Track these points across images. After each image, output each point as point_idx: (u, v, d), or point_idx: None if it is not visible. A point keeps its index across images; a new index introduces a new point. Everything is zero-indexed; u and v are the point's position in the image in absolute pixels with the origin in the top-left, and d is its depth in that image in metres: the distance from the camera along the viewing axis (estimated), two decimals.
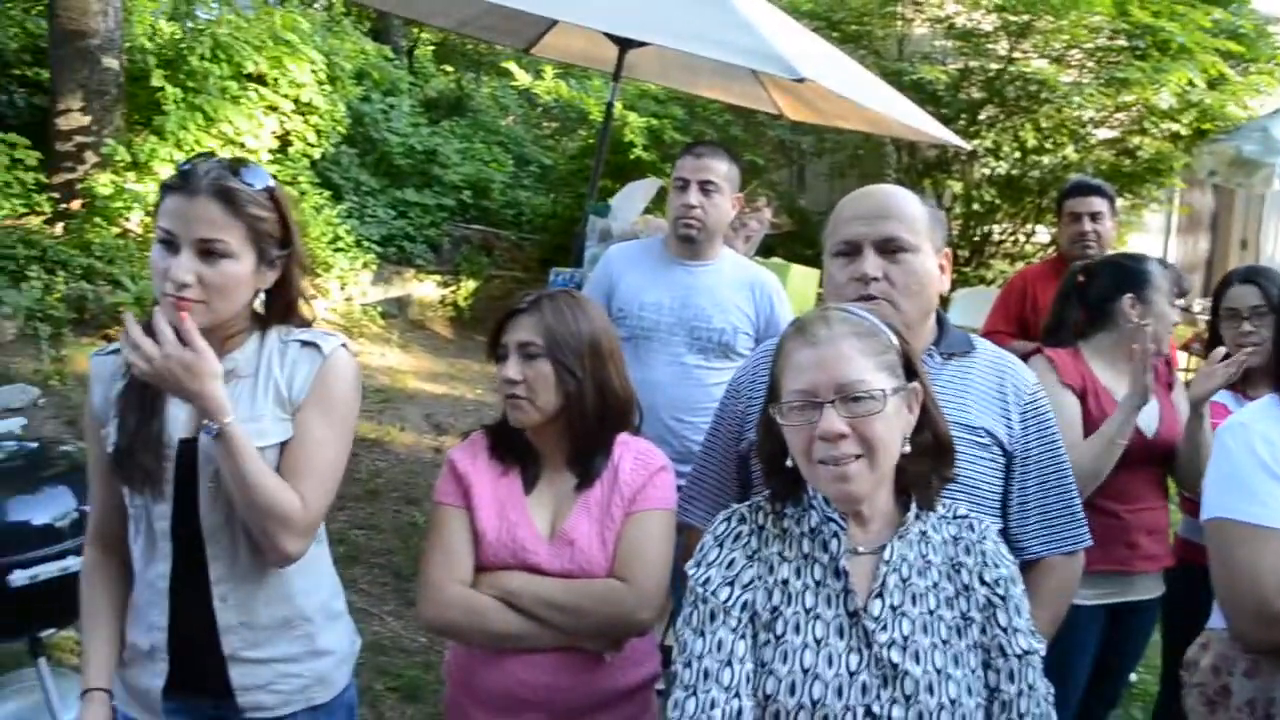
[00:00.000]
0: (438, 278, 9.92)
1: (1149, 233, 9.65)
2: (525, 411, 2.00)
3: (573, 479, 2.05)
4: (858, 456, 1.50)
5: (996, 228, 8.81)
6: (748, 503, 1.70)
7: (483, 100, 13.55)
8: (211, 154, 1.86)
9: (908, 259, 1.87)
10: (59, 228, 7.59)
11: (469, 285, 9.92)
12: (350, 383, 1.88)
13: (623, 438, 2.08)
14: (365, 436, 6.47)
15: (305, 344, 1.86)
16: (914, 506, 1.61)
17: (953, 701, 1.50)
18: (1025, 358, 2.54)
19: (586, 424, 2.03)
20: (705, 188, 3.15)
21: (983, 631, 1.56)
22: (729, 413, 2.09)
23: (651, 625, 2.08)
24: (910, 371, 1.59)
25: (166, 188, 1.74)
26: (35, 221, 7.52)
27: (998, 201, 8.61)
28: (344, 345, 1.89)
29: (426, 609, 2.02)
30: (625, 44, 4.80)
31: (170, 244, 1.71)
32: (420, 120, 11.22)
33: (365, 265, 9.09)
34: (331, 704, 1.94)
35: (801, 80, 3.75)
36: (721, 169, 3.19)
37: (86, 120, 7.88)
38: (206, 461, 1.77)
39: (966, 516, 1.66)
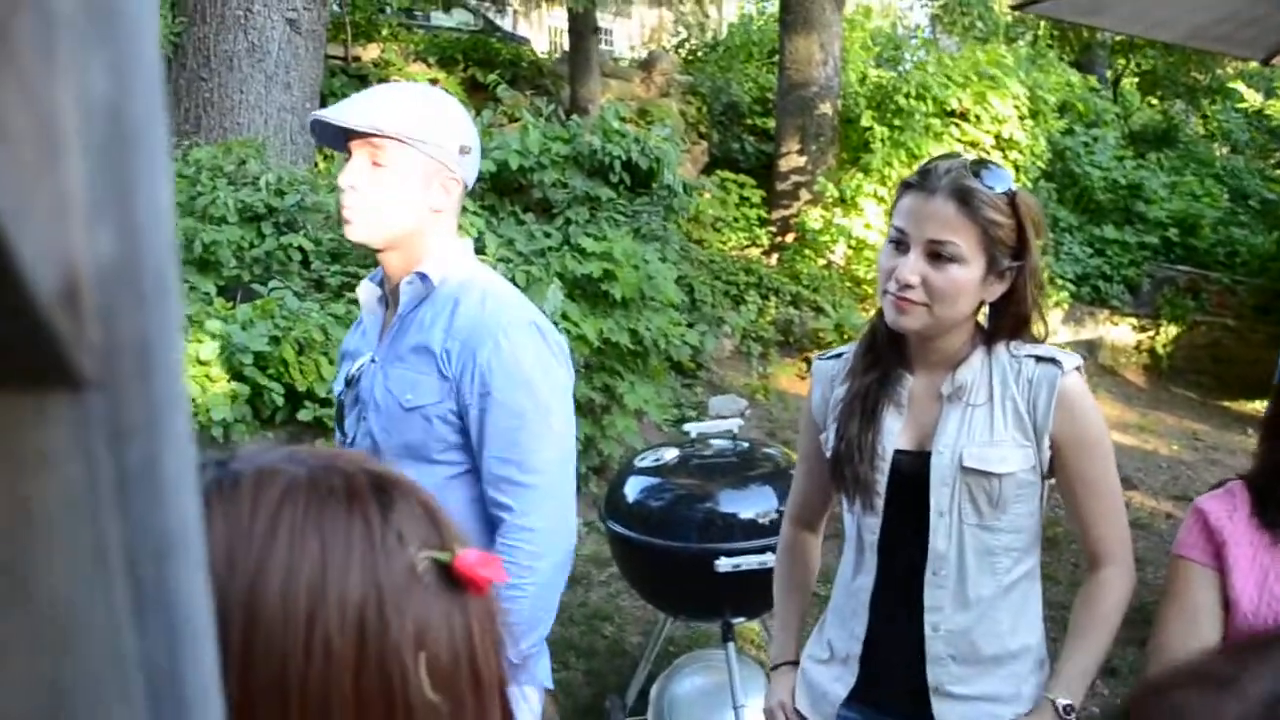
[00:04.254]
0: (1134, 321, 9.23)
1: None
2: None
3: None
4: None
5: None
6: None
7: (1194, 131, 12.42)
8: (955, 154, 1.80)
9: None
10: (774, 258, 8.38)
11: (1170, 331, 9.10)
12: (1096, 407, 1.71)
13: None
14: None
15: (1041, 359, 1.69)
16: None
17: None
18: None
19: None
20: None
21: None
22: None
23: None
24: None
25: (905, 185, 1.70)
26: (755, 253, 8.39)
27: None
28: (1079, 368, 1.72)
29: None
30: None
31: (900, 243, 1.66)
32: (1125, 153, 10.57)
33: (1057, 304, 8.75)
34: None
35: None
36: None
37: (803, 161, 8.62)
38: (941, 485, 1.71)
39: None
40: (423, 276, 1.84)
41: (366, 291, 1.97)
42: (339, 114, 1.78)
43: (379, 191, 1.79)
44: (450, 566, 0.68)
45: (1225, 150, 12.09)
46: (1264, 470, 1.66)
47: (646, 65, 11.35)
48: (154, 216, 0.24)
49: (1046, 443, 1.67)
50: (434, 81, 9.76)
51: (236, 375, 4.10)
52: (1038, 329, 1.76)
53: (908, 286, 1.63)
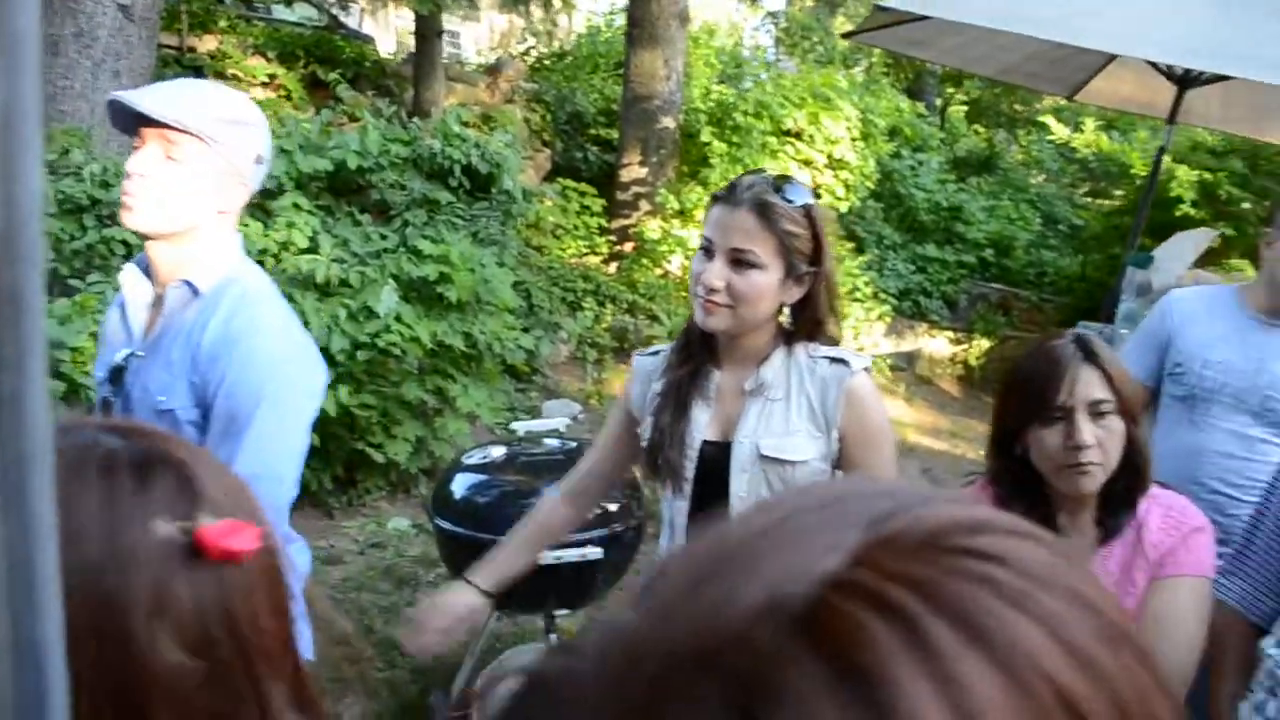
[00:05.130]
0: (950, 334, 9.76)
1: None
2: (1096, 479, 1.73)
3: (1092, 535, 1.87)
4: None
5: None
6: None
7: (1013, 159, 13.19)
8: (762, 170, 1.96)
9: None
10: (612, 267, 8.53)
11: (982, 344, 9.65)
12: (881, 404, 1.89)
13: (1152, 491, 1.82)
14: None
15: (833, 360, 1.86)
16: None
17: None
18: None
19: (1115, 477, 1.78)
20: None
21: None
22: None
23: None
24: None
25: (714, 198, 1.86)
26: (594, 260, 8.53)
27: None
28: (867, 369, 1.89)
29: None
30: (1184, 83, 4.43)
31: (708, 251, 1.81)
32: (948, 177, 11.16)
33: (880, 317, 9.18)
34: None
35: None
36: None
37: (644, 172, 8.80)
38: (740, 471, 1.84)
39: None
40: (190, 285, 1.85)
41: (133, 280, 1.93)
42: (141, 99, 1.77)
43: (169, 183, 1.79)
44: (198, 537, 0.72)
45: (1041, 178, 12.86)
46: (996, 476, 1.86)
47: (492, 71, 11.36)
48: (31, 193, 0.31)
49: (835, 435, 1.83)
50: (272, 77, 9.55)
51: (55, 373, 3.97)
52: (834, 331, 1.93)
53: (713, 290, 1.78)
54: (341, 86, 8.28)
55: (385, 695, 3.56)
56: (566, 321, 7.15)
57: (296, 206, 5.33)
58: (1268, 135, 5.66)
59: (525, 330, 6.04)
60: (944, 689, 0.32)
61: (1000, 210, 11.03)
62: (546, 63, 12.65)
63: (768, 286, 1.79)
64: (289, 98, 9.33)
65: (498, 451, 3.32)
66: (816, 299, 1.87)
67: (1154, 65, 4.46)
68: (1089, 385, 1.71)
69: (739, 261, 1.78)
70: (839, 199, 9.14)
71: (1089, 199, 11.95)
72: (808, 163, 8.95)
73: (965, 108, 15.43)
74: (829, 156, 9.12)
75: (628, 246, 8.63)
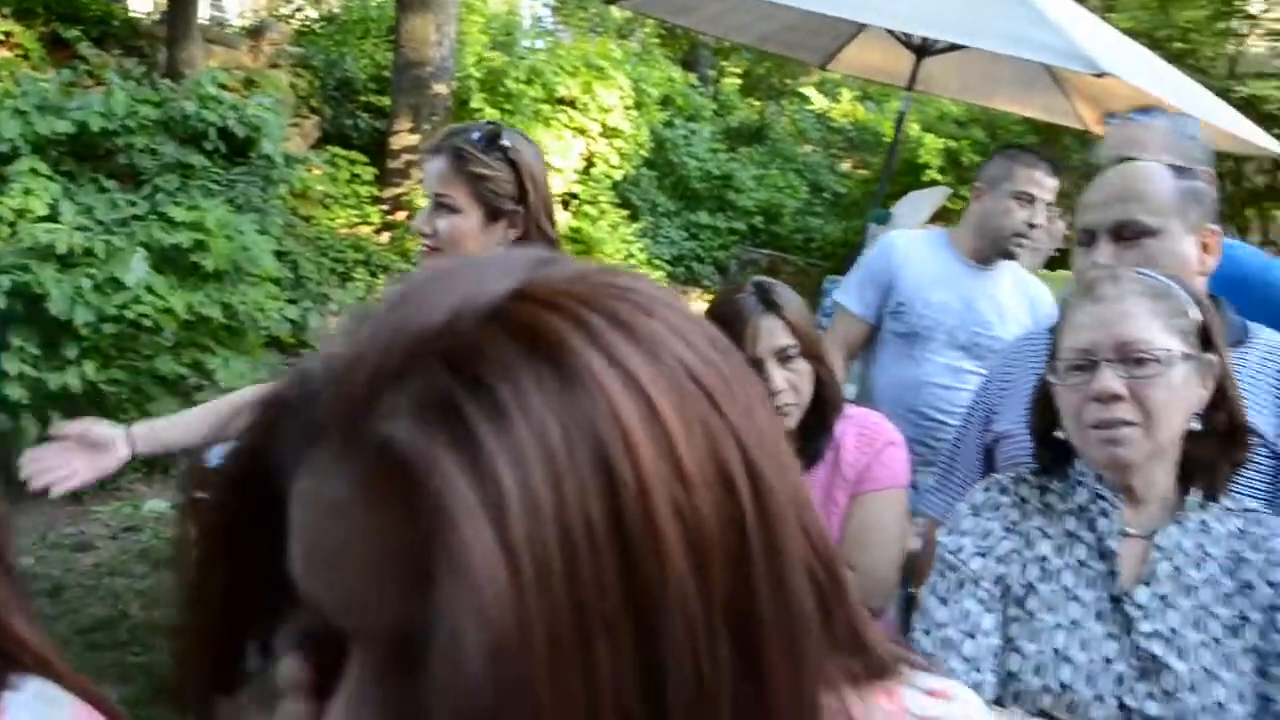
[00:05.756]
0: None
1: None
2: (792, 418, 1.83)
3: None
4: (1133, 423, 1.39)
5: None
6: (1011, 474, 1.60)
7: (782, 130, 13.69)
8: (493, 124, 2.00)
9: (1147, 244, 1.70)
10: (385, 236, 8.35)
11: None
12: None
13: (847, 411, 1.92)
14: None
15: None
16: (1197, 492, 1.48)
17: (1219, 705, 1.35)
18: None
19: (809, 411, 1.87)
20: (1047, 206, 2.99)
21: (1262, 635, 1.40)
22: (979, 404, 1.99)
23: (883, 610, 1.99)
24: (1209, 345, 1.45)
25: (425, 151, 1.95)
26: (366, 230, 8.31)
27: None
28: None
29: None
30: (921, 52, 4.71)
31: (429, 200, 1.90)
32: (720, 147, 11.47)
33: None
34: None
35: (1102, 75, 3.54)
36: (1054, 187, 3.03)
37: (416, 140, 8.63)
38: None
39: (1256, 511, 1.51)
40: None
41: None
42: None
43: None
44: None
45: (809, 149, 13.40)
46: None
47: (255, 34, 10.85)
48: None
49: None
50: (7, 35, 8.80)
51: None
52: None
53: (425, 235, 1.88)
54: (85, 45, 7.72)
55: (141, 680, 3.41)
56: (336, 292, 6.97)
57: (34, 172, 4.97)
58: (998, 103, 6.09)
59: (292, 301, 5.85)
60: (611, 358, 0.44)
61: (769, 179, 11.44)
62: (315, 27, 12.18)
63: (468, 229, 1.87)
64: (26, 57, 8.62)
65: None
66: (531, 239, 1.93)
67: (895, 35, 4.73)
68: (772, 334, 1.80)
69: (440, 206, 1.87)
70: (613, 167, 9.26)
71: (850, 167, 12.55)
72: (582, 131, 9.01)
73: (740, 81, 15.88)
74: (603, 125, 9.21)
75: (400, 215, 8.46)
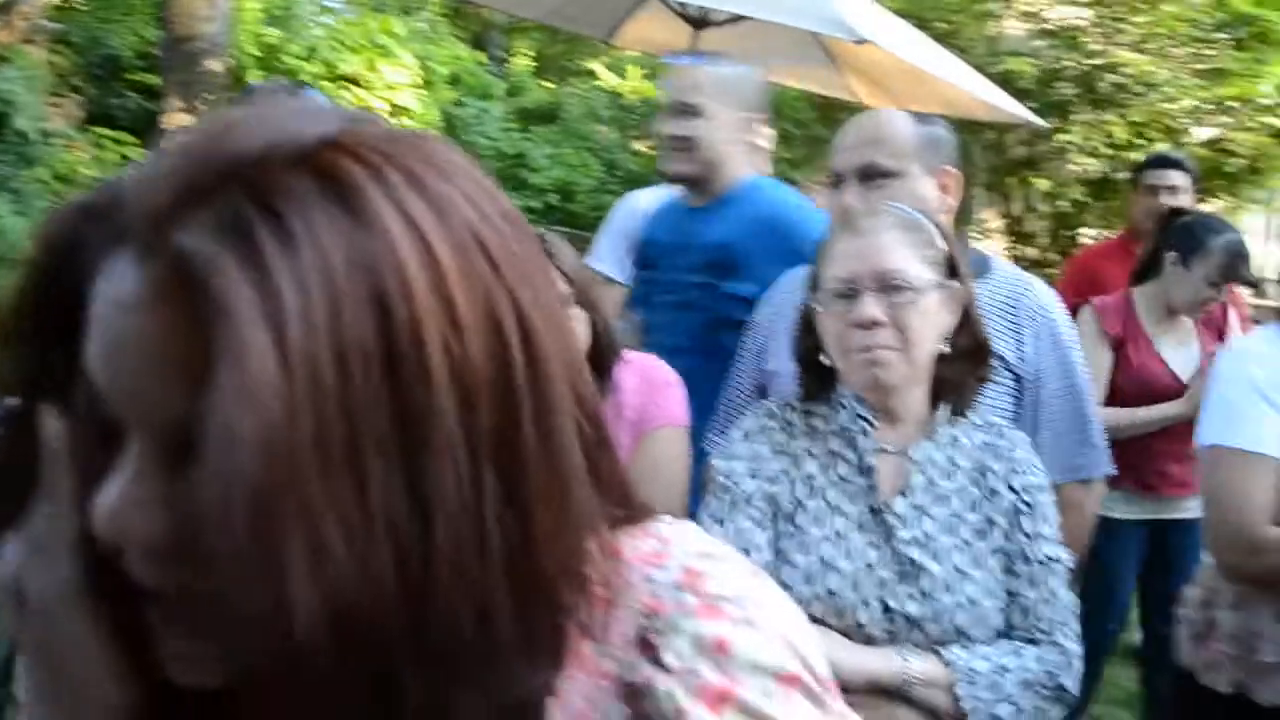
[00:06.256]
0: None
1: (1248, 236, 9.28)
2: None
3: None
4: (892, 347, 1.49)
5: (1086, 230, 8.59)
6: (779, 401, 1.69)
7: (575, 108, 13.73)
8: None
9: (890, 185, 1.83)
10: None
11: None
12: None
13: (625, 356, 1.98)
14: None
15: None
16: (946, 409, 1.59)
17: (971, 601, 1.47)
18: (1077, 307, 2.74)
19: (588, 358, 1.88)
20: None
21: (1007, 537, 1.53)
22: (750, 345, 2.08)
23: None
24: (955, 275, 1.58)
25: None
26: None
27: (1089, 201, 8.39)
28: None
29: None
30: (699, 24, 4.82)
31: None
32: (512, 126, 11.41)
33: None
34: None
35: (861, 41, 3.72)
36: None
37: (188, 119, 8.21)
38: None
39: (998, 425, 1.64)
40: None
41: None
42: None
43: None
44: None
45: (603, 128, 13.49)
46: None
47: (5, 8, 10.07)
48: None
49: None
50: None
51: None
52: None
53: None
54: None
55: None
56: None
57: None
58: (778, 76, 6.26)
59: None
60: (400, 209, 0.48)
61: (564, 158, 11.46)
62: (74, 2, 11.40)
63: None
64: None
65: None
66: None
67: (671, 6, 4.82)
68: None
69: None
70: None
71: (647, 148, 12.71)
72: (368, 110, 8.79)
73: (534, 62, 15.82)
74: (391, 104, 9.01)
75: None
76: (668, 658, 0.58)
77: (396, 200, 0.48)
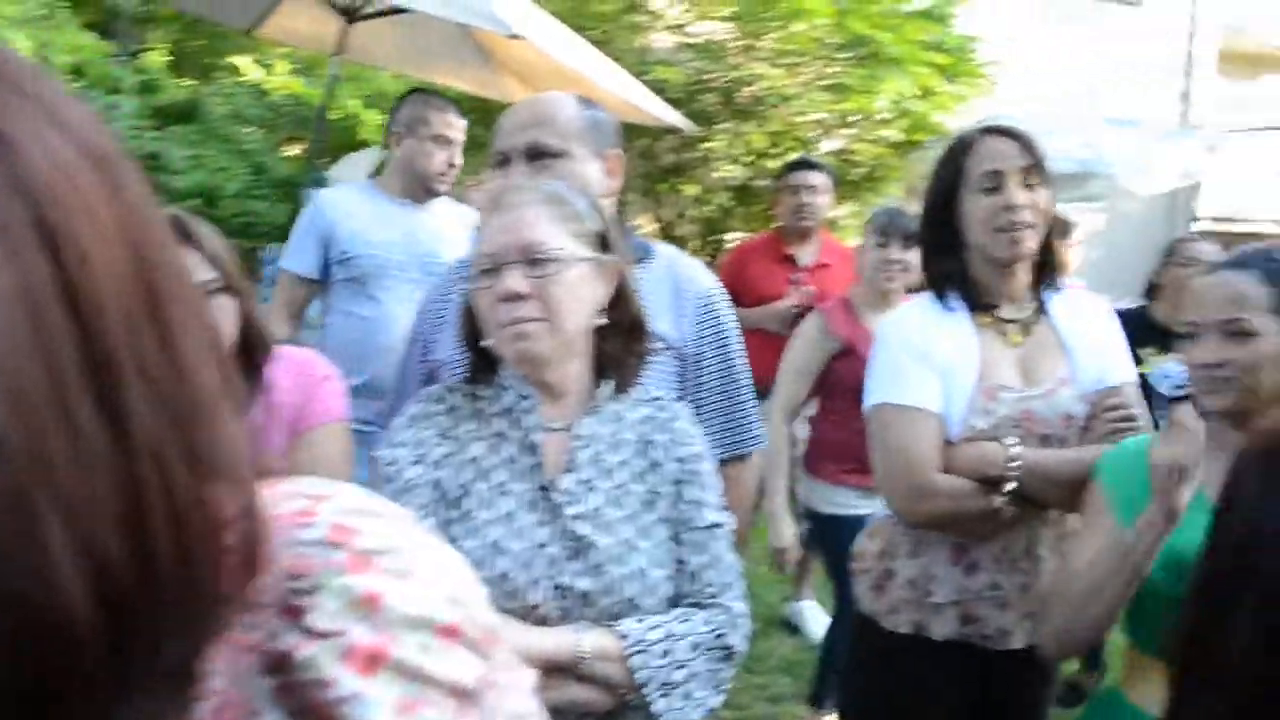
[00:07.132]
0: None
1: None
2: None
3: None
4: (538, 319, 1.47)
5: (733, 234, 9.11)
6: (444, 385, 1.64)
7: (217, 106, 12.92)
8: None
9: (555, 165, 1.85)
10: None
11: None
12: None
13: (278, 352, 1.89)
14: None
15: None
16: (609, 385, 1.60)
17: (641, 572, 1.48)
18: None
19: (235, 350, 1.82)
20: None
21: (672, 506, 1.55)
22: (417, 335, 2.03)
23: None
24: (608, 250, 1.58)
25: None
26: None
27: (734, 206, 8.91)
28: None
29: None
30: (349, 16, 4.67)
31: None
32: (145, 124, 10.56)
33: None
34: None
35: (514, 36, 3.74)
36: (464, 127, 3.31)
37: None
38: None
39: (660, 399, 1.66)
40: None
41: None
42: None
43: None
44: None
45: (249, 130, 12.75)
46: None
47: None
48: None
49: None
50: None
51: None
52: None
53: None
54: None
55: None
56: None
57: None
58: (434, 75, 6.16)
59: None
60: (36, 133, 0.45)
61: (206, 161, 10.74)
62: None
63: None
64: None
65: None
66: None
67: None
68: (191, 269, 1.70)
69: None
70: None
71: (299, 152, 12.17)
72: None
73: (171, 57, 14.72)
74: None
75: None
76: (314, 620, 0.54)
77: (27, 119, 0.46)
